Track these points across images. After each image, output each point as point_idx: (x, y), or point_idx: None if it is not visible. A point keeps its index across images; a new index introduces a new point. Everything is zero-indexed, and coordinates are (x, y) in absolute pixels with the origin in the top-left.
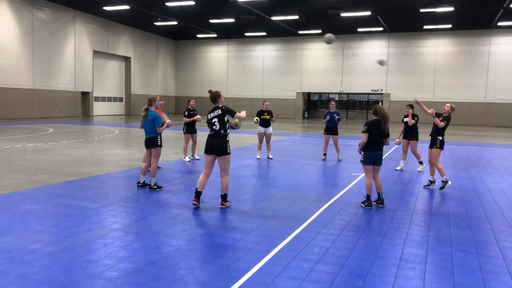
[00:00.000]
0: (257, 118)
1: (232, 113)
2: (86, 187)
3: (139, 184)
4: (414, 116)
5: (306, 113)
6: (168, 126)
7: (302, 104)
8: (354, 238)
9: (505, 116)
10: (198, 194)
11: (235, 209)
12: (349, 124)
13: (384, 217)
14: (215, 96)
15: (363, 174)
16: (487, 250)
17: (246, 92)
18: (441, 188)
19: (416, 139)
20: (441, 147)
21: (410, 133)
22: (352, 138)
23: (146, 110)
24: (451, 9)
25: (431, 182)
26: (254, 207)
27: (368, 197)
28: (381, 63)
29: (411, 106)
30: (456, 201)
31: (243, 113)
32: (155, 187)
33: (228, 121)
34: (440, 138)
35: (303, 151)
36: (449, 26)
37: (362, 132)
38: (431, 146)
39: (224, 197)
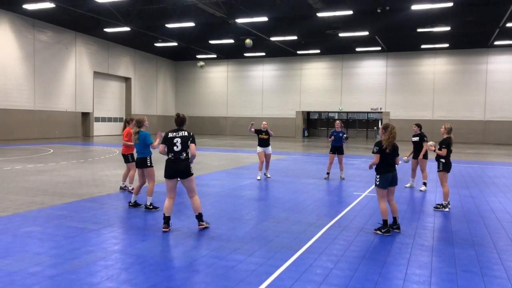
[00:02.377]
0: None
1: (194, 142)
2: (87, 208)
3: (130, 204)
4: (423, 137)
5: (306, 132)
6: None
7: (302, 123)
8: (357, 259)
9: (505, 134)
10: (167, 219)
11: (236, 230)
12: (349, 143)
13: (387, 237)
14: (183, 120)
15: (365, 193)
16: (492, 270)
17: (246, 111)
18: (436, 207)
19: (425, 158)
20: (445, 169)
21: (419, 151)
22: (352, 157)
23: (137, 132)
24: (448, 28)
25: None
26: (255, 228)
27: (385, 222)
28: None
29: (418, 125)
30: (459, 220)
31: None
32: (151, 207)
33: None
34: (443, 160)
35: (304, 170)
36: (447, 45)
37: (374, 152)
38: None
39: (200, 217)
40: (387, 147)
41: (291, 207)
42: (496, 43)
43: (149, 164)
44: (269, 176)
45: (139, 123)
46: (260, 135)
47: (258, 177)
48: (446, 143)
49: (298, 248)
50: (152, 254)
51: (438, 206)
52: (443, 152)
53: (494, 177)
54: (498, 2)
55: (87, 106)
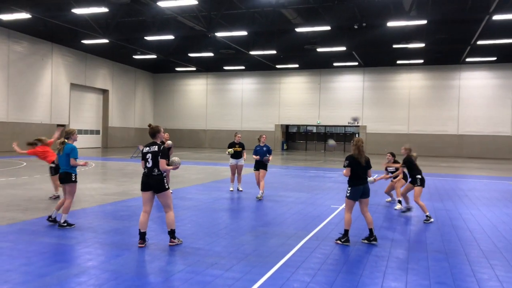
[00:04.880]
0: (231, 150)
1: (165, 158)
2: None
3: (50, 219)
4: (395, 162)
5: (285, 145)
6: (84, 165)
7: (281, 136)
8: (334, 272)
9: (477, 148)
10: (142, 235)
11: (214, 244)
12: (327, 156)
13: (363, 250)
14: (154, 131)
15: (342, 206)
16: (465, 282)
17: (225, 124)
18: (425, 220)
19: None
20: (422, 184)
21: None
22: (330, 170)
23: (63, 143)
24: (422, 45)
25: (407, 209)
26: (233, 242)
27: (346, 232)
28: (331, 145)
29: (392, 154)
30: (433, 233)
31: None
32: (65, 224)
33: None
34: (419, 176)
35: (282, 183)
36: (421, 61)
37: (344, 166)
38: (412, 183)
39: (172, 234)
40: (359, 159)
41: (269, 221)
42: (468, 59)
43: (73, 179)
44: (241, 189)
45: (67, 135)
46: (233, 148)
47: (231, 188)
48: (405, 161)
49: (275, 262)
50: (127, 270)
51: (426, 219)
52: (400, 169)
53: (467, 190)
54: (469, 21)
55: (63, 118)
